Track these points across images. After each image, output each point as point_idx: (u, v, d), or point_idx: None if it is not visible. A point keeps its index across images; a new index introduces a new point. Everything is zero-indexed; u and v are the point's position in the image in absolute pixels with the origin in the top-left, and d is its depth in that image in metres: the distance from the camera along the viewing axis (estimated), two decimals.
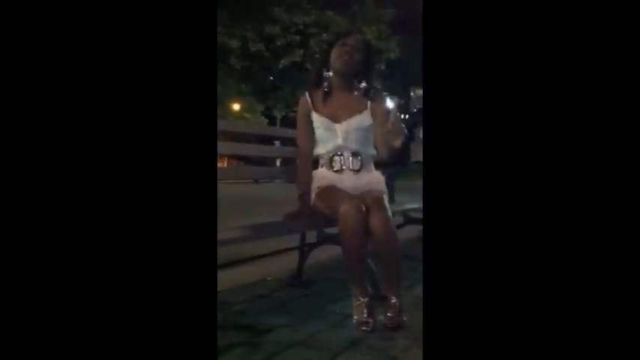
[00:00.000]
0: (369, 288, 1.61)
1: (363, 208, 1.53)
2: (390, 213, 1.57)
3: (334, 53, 1.75)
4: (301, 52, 15.85)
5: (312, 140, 1.80)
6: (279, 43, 15.53)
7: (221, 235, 1.51)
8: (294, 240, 2.18)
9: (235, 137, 2.33)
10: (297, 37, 15.81)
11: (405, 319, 1.53)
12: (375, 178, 1.73)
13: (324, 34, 15.33)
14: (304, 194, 1.76)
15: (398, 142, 1.56)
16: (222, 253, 2.34)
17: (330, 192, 1.64)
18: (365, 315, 1.52)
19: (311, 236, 2.15)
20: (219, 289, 1.99)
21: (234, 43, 12.33)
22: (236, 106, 21.15)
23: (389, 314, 1.53)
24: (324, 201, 1.64)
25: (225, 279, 2.19)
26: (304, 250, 2.15)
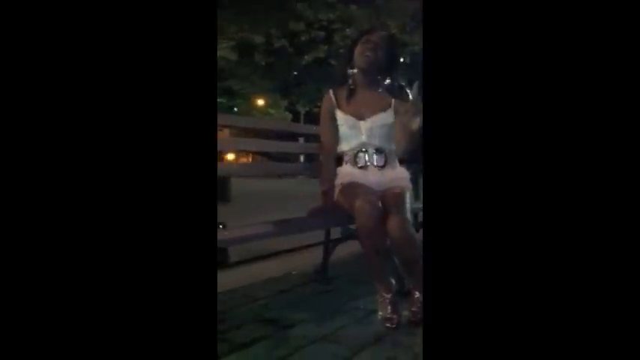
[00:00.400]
0: (394, 283, 1.61)
1: (379, 204, 1.53)
2: (408, 214, 1.56)
3: (358, 50, 1.75)
4: (325, 47, 15.84)
5: (335, 137, 1.80)
6: (303, 38, 15.55)
7: (246, 231, 1.53)
8: (318, 236, 2.20)
9: (259, 134, 2.36)
10: (321, 33, 15.80)
11: None
12: (399, 174, 1.73)
13: (348, 29, 15.27)
14: (328, 190, 1.77)
15: (416, 124, 1.55)
16: (247, 249, 2.39)
17: (351, 188, 1.64)
18: (389, 311, 1.52)
19: (335, 232, 2.16)
20: (244, 283, 2.03)
21: (258, 39, 12.38)
22: (260, 102, 21.32)
23: (413, 309, 1.53)
24: (345, 197, 1.64)
25: (250, 273, 2.23)
26: (329, 246, 2.16)
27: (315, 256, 2.29)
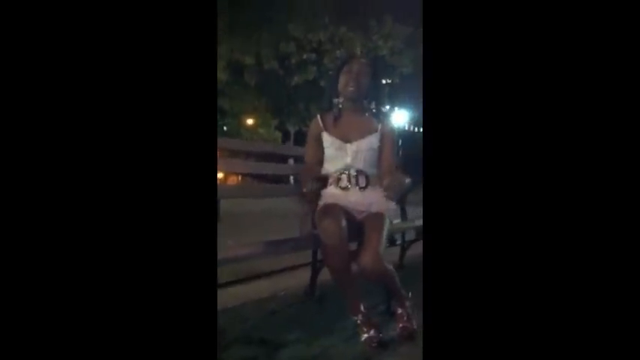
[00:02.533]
0: (361, 306, 1.60)
1: (344, 223, 1.55)
2: (382, 245, 1.56)
3: (341, 80, 1.80)
4: (315, 68, 16.02)
5: (318, 158, 1.85)
6: (293, 60, 15.73)
7: (234, 251, 1.55)
8: (306, 256, 2.22)
9: (249, 155, 2.39)
10: (312, 55, 15.98)
11: (415, 327, 1.58)
12: (381, 198, 1.74)
13: (338, 51, 15.47)
14: (308, 213, 1.80)
15: (394, 197, 1.67)
16: (235, 269, 2.39)
17: (327, 209, 1.65)
18: (365, 331, 1.55)
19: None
20: (234, 303, 2.04)
21: (248, 60, 12.51)
22: (250, 121, 21.35)
23: (400, 325, 1.60)
24: (319, 217, 1.65)
25: (239, 294, 2.23)
26: (316, 266, 2.18)
27: (304, 276, 2.30)
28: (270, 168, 2.17)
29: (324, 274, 2.22)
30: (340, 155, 1.78)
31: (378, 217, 1.66)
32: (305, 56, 15.59)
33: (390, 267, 1.59)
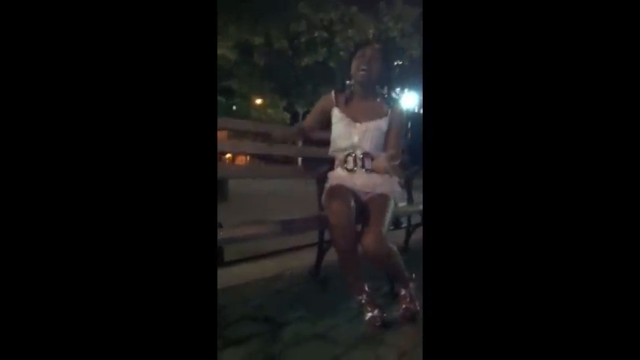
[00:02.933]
0: (365, 286, 1.62)
1: (353, 205, 1.57)
2: (385, 226, 1.58)
3: (354, 65, 1.83)
4: (325, 49, 15.90)
5: (313, 127, 1.94)
6: (303, 39, 15.61)
7: (242, 231, 1.58)
8: (313, 236, 2.25)
9: (257, 136, 2.40)
10: (323, 34, 15.84)
11: (418, 309, 1.61)
12: (387, 180, 1.76)
13: (349, 31, 15.30)
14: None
15: (394, 174, 1.68)
16: (242, 248, 2.42)
17: (333, 190, 1.68)
18: (369, 310, 1.58)
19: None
20: (240, 282, 2.08)
21: (258, 40, 12.42)
22: (259, 101, 21.33)
23: (403, 306, 1.62)
24: (326, 198, 1.68)
25: (245, 273, 2.27)
26: (323, 246, 2.21)
27: (310, 256, 2.33)
28: (277, 149, 2.17)
29: (330, 255, 2.25)
30: (348, 134, 1.79)
31: (382, 198, 1.68)
32: (316, 34, 15.43)
33: (394, 248, 1.59)
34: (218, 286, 1.88)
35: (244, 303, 1.79)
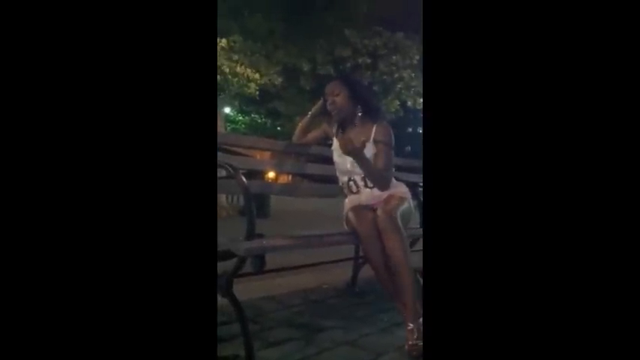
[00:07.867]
0: (419, 309, 1.52)
1: (371, 218, 1.67)
2: (397, 210, 1.68)
3: (327, 105, 1.95)
4: (368, 73, 16.04)
5: (305, 132, 2.10)
6: (348, 64, 15.84)
7: (281, 241, 1.68)
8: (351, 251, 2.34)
9: (299, 156, 2.52)
10: (367, 60, 16.01)
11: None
12: (395, 188, 1.87)
13: (394, 57, 15.41)
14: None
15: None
16: (281, 260, 2.53)
17: (353, 211, 1.78)
18: (411, 337, 1.47)
19: None
20: (280, 291, 2.19)
21: (305, 65, 12.76)
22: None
23: (409, 343, 1.47)
24: (347, 222, 1.81)
25: (285, 283, 2.39)
26: (358, 261, 2.29)
27: (347, 270, 2.43)
28: (316, 169, 2.28)
29: (368, 271, 2.32)
30: (343, 162, 1.92)
31: (390, 196, 1.79)
32: (360, 60, 15.63)
33: (412, 269, 1.57)
34: (260, 294, 2.02)
35: (284, 310, 1.91)
